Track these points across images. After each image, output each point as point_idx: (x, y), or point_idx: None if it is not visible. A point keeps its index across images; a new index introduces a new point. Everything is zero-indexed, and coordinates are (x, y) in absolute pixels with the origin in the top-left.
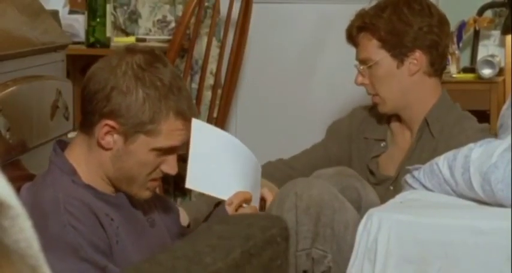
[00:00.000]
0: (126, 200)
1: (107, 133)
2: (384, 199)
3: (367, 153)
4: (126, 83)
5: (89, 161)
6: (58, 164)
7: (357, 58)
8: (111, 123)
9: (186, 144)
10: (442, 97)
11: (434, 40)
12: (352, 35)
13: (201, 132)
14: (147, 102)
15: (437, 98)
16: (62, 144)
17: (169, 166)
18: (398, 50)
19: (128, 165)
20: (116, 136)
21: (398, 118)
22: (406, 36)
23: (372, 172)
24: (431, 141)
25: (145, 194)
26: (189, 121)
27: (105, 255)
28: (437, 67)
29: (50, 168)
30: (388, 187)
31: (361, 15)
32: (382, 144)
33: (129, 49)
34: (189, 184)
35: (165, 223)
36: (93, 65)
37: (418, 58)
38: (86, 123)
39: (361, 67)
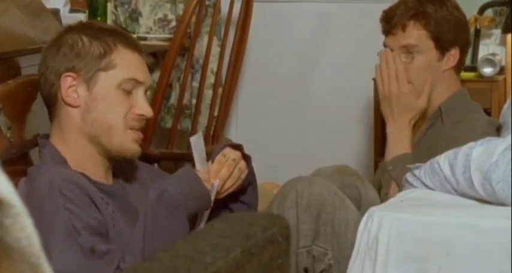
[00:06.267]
0: (121, 189)
1: (70, 88)
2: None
3: None
4: (69, 37)
5: (67, 137)
6: (49, 155)
7: (395, 45)
8: (69, 73)
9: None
10: (461, 91)
11: (467, 39)
12: (399, 22)
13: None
14: (94, 41)
15: (454, 91)
16: (47, 138)
17: (141, 107)
18: (443, 43)
19: (99, 112)
20: (79, 89)
21: None
22: (450, 30)
23: None
24: (440, 127)
25: (134, 147)
26: (141, 54)
27: (101, 236)
28: (462, 65)
29: (41, 160)
30: None
31: (409, 3)
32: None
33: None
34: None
35: None
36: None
37: (454, 55)
38: (50, 103)
39: (403, 55)
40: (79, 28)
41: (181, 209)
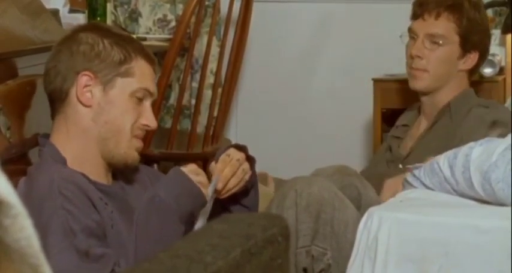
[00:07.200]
0: (120, 190)
1: (85, 87)
2: (392, 175)
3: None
4: (89, 37)
5: (72, 134)
6: (49, 154)
7: (422, 30)
8: (87, 72)
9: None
10: (470, 90)
11: (488, 48)
12: (434, 9)
13: None
14: (115, 46)
15: (463, 89)
16: (47, 137)
17: (148, 118)
18: (467, 43)
19: (111, 116)
20: (94, 90)
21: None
22: (477, 33)
23: (390, 150)
24: (448, 126)
25: (135, 155)
26: (154, 67)
27: (97, 238)
28: (475, 73)
29: (42, 159)
30: (398, 164)
31: None
32: (406, 129)
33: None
34: None
35: None
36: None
37: (473, 58)
38: (59, 97)
39: (427, 41)
40: (97, 30)
41: (174, 212)
